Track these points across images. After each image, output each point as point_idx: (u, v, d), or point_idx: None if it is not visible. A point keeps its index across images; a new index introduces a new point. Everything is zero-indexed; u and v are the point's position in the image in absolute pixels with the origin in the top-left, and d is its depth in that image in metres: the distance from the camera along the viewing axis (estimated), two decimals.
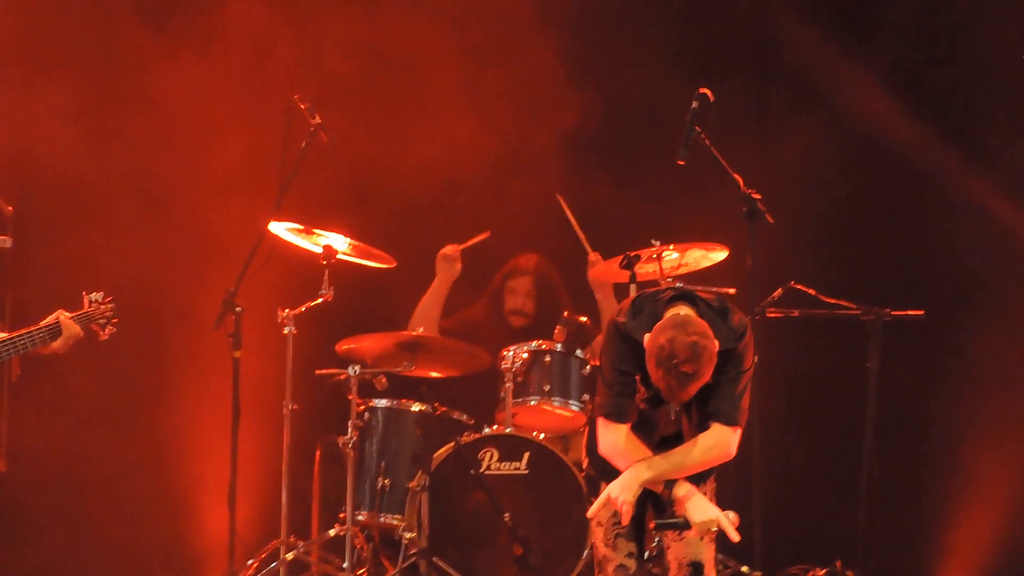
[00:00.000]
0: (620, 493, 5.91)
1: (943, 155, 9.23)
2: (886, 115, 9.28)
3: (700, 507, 5.94)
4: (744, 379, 5.97)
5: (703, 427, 5.95)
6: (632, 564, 6.10)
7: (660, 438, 6.01)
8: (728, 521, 5.95)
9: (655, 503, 6.06)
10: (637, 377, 5.91)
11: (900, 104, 9.29)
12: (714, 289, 7.96)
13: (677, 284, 7.76)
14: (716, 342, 5.77)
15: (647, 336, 5.80)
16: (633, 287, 7.85)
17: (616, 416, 5.98)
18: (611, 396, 5.99)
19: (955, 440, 8.89)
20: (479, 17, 9.09)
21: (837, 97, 9.18)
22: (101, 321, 6.65)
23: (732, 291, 7.92)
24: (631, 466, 5.96)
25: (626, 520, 5.94)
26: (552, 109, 9.10)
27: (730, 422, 5.95)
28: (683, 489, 5.95)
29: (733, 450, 6.00)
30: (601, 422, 6.01)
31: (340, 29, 8.92)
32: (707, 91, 7.82)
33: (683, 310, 5.86)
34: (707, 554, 6.12)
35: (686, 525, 5.94)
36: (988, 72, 9.25)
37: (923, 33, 9.36)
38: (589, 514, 6.13)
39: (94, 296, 6.69)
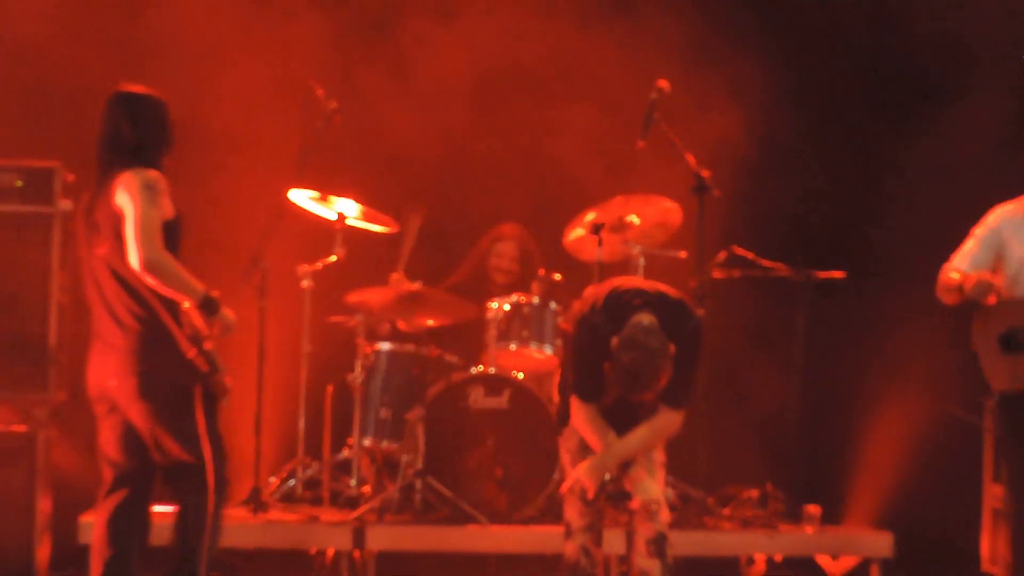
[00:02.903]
0: (588, 479, 6.05)
1: (868, 137, 9.26)
2: (819, 100, 9.24)
3: (644, 488, 6.09)
4: (694, 369, 6.09)
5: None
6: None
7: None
8: (665, 499, 6.14)
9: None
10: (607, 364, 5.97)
11: (832, 89, 9.28)
12: (667, 253, 8.05)
13: (641, 262, 7.89)
14: (673, 348, 5.83)
15: (616, 339, 5.85)
16: (599, 252, 7.89)
17: (586, 398, 6.11)
18: (582, 380, 6.11)
19: (869, 382, 8.95)
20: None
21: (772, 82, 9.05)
22: None
23: (683, 254, 7.98)
24: (598, 453, 6.08)
25: (591, 495, 6.07)
26: (530, 87, 9.12)
27: (678, 406, 6.08)
28: (633, 471, 6.09)
29: (679, 427, 6.14)
30: (574, 400, 6.12)
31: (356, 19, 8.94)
32: (664, 83, 7.81)
33: (647, 318, 5.90)
34: (658, 484, 6.20)
35: (629, 497, 6.11)
36: (917, 47, 9.20)
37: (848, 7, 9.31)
38: (562, 490, 6.25)
39: None
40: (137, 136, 5.94)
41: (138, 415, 5.81)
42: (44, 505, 7.04)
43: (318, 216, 8.02)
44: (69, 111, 8.48)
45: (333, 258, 7.91)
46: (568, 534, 6.21)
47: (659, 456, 6.25)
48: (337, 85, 8.31)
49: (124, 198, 5.74)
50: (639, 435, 6.11)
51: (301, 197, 7.87)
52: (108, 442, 5.94)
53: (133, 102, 6.01)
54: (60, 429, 7.26)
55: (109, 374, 5.83)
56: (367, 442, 7.91)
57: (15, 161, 7.17)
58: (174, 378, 5.81)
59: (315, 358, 8.08)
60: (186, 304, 5.80)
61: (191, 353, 5.79)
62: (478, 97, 8.95)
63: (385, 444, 7.92)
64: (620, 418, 6.15)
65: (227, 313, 5.86)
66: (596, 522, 6.21)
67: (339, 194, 7.90)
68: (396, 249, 8.31)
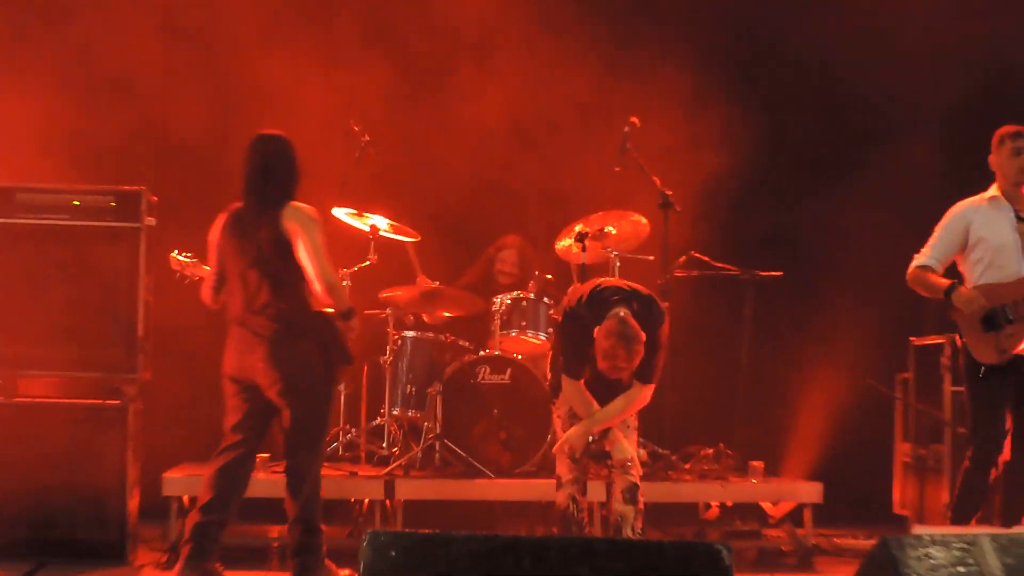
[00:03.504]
0: (575, 441, 6.10)
1: (816, 169, 9.24)
2: (783, 139, 9.19)
3: (620, 448, 6.11)
4: (661, 351, 6.09)
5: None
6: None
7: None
8: (638, 457, 6.17)
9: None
10: (590, 348, 5.99)
11: (795, 131, 9.23)
12: (639, 256, 8.04)
13: (617, 264, 7.87)
14: (644, 336, 5.83)
15: (597, 329, 5.86)
16: (583, 257, 7.84)
17: (574, 376, 6.13)
18: (570, 361, 6.12)
19: (802, 360, 8.99)
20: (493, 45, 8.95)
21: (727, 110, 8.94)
22: None
23: (651, 258, 7.94)
24: (583, 420, 6.09)
25: (578, 454, 6.11)
26: (541, 125, 9.04)
27: (648, 382, 6.10)
28: (611, 434, 6.10)
29: (649, 399, 6.16)
30: (564, 377, 6.14)
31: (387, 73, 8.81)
32: (635, 119, 7.79)
33: (622, 311, 5.91)
34: (631, 444, 6.22)
35: (608, 456, 6.11)
36: (863, 100, 9.21)
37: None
38: (554, 450, 6.26)
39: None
40: (284, 172, 6.16)
41: (278, 394, 6.01)
42: (134, 464, 7.02)
43: (355, 228, 7.94)
44: (157, 142, 8.50)
45: (367, 262, 7.83)
46: (559, 485, 6.24)
47: (633, 422, 6.31)
48: (379, 122, 8.34)
49: (295, 227, 6.01)
50: (617, 405, 6.14)
51: (342, 213, 7.83)
52: (234, 414, 6.14)
53: (278, 143, 6.23)
54: (146, 403, 7.25)
55: (257, 360, 6.01)
56: (396, 412, 7.87)
57: (109, 186, 7.16)
58: (313, 366, 6.02)
59: (353, 344, 7.99)
60: (329, 309, 6.10)
61: (330, 347, 6.04)
62: (494, 133, 8.82)
63: (410, 413, 7.88)
64: (601, 391, 6.19)
65: (358, 320, 6.15)
66: (582, 476, 6.24)
67: (372, 211, 7.86)
68: (414, 255, 8.28)
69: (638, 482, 6.12)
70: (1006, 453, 6.50)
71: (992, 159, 6.65)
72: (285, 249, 6.02)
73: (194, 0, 8.47)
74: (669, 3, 9.30)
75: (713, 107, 8.83)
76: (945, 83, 8.97)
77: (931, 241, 6.69)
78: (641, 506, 6.12)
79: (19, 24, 8.22)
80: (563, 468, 6.21)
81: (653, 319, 6.01)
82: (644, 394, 6.14)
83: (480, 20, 8.82)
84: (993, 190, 6.66)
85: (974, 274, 6.61)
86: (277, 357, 5.99)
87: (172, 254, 6.79)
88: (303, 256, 6.01)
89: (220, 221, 6.29)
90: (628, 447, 6.15)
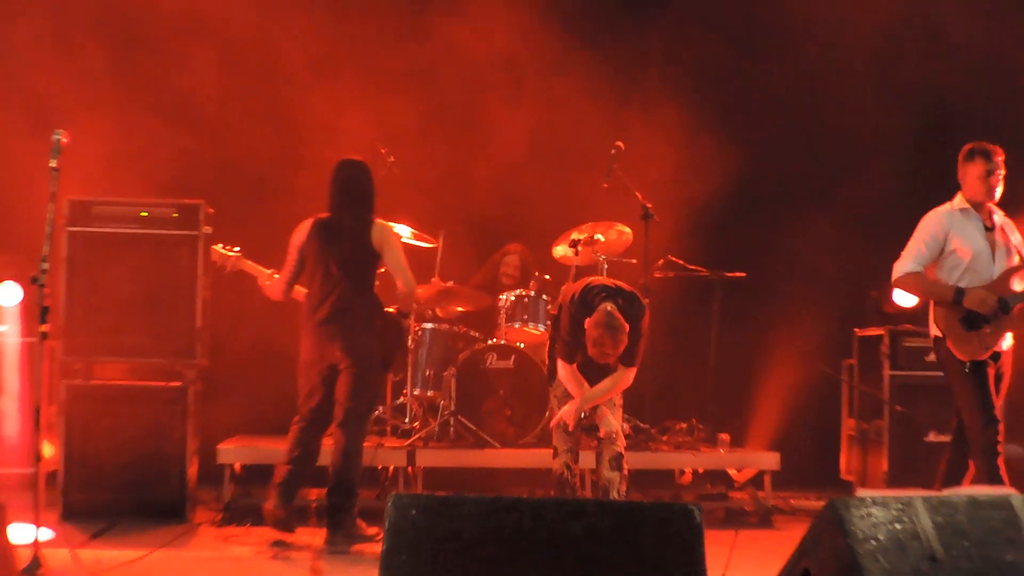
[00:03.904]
0: (569, 417, 6.09)
1: (772, 181, 9.18)
2: (763, 164, 9.07)
3: (607, 422, 6.10)
4: (642, 340, 6.08)
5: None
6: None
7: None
8: (622, 431, 6.18)
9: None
10: (581, 337, 5.99)
11: (771, 158, 9.13)
12: (623, 260, 8.02)
13: (605, 266, 7.86)
14: (627, 327, 5.82)
15: (588, 320, 5.84)
16: (576, 260, 7.83)
17: (568, 359, 6.12)
18: (565, 348, 6.09)
19: (763, 347, 8.90)
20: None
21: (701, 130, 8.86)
22: None
23: (634, 261, 7.93)
24: (575, 398, 6.07)
25: (571, 428, 6.10)
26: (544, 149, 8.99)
27: (631, 366, 6.09)
28: (599, 410, 6.10)
29: (631, 380, 6.15)
30: (559, 361, 6.13)
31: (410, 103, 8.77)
32: (620, 144, 7.76)
33: (609, 306, 5.90)
34: (617, 419, 6.21)
35: (597, 430, 6.11)
36: (831, 130, 9.14)
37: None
38: (551, 424, 6.25)
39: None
40: (369, 192, 6.34)
41: (349, 373, 6.16)
42: (193, 437, 7.03)
43: None
44: (214, 161, 8.49)
45: None
46: (555, 455, 6.26)
47: (618, 400, 6.33)
48: (408, 146, 8.31)
49: (383, 243, 6.22)
50: (604, 386, 6.15)
51: None
52: (313, 397, 6.26)
53: (362, 167, 6.40)
54: (204, 384, 7.26)
55: (336, 348, 6.17)
56: (416, 392, 7.84)
57: (171, 200, 7.18)
58: (374, 354, 6.20)
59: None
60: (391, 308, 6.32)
61: (391, 339, 6.24)
62: (505, 157, 8.69)
63: (429, 393, 7.84)
64: (591, 374, 6.21)
65: (410, 320, 6.43)
66: (575, 446, 6.26)
67: (396, 221, 7.78)
68: (432, 259, 8.21)
69: (623, 451, 6.14)
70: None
71: (960, 173, 6.04)
72: (369, 258, 6.21)
73: (250, 37, 8.45)
74: (664, 49, 9.27)
75: (698, 138, 8.78)
76: (889, 119, 8.96)
77: (913, 247, 6.04)
78: (625, 472, 6.14)
79: (113, 61, 8.20)
80: (559, 440, 6.23)
81: (635, 312, 6.02)
82: (628, 376, 6.15)
83: (498, 59, 8.84)
84: (960, 201, 6.06)
85: (951, 279, 6.03)
86: (350, 345, 6.14)
87: (215, 247, 6.80)
88: (392, 268, 6.23)
89: (306, 226, 6.39)
90: (614, 422, 6.16)
